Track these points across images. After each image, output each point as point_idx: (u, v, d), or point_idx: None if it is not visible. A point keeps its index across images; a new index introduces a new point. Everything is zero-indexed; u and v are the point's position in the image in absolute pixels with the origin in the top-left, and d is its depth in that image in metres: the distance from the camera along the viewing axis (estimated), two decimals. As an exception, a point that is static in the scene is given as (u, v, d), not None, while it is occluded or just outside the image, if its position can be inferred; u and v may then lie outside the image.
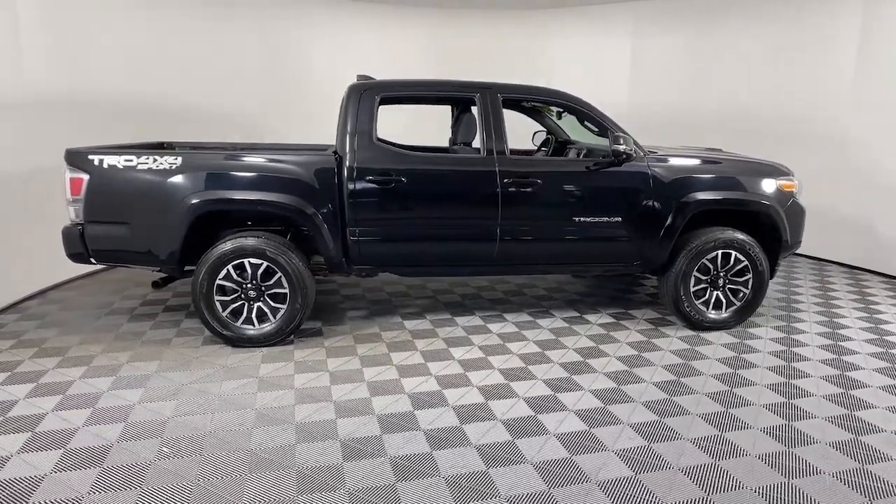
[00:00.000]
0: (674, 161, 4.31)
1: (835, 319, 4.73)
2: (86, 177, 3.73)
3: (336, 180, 3.92)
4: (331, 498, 2.43)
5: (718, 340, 4.26)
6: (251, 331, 3.98)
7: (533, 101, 4.57)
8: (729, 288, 4.41)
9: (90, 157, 3.74)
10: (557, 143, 5.21)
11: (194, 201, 3.75)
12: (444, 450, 2.80)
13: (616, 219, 4.21)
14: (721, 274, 4.37)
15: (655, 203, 4.21)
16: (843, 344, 4.21)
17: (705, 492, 2.52)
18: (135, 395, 3.32)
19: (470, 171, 4.09)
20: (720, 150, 5.16)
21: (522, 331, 4.42)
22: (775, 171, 4.42)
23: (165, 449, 2.77)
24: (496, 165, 4.06)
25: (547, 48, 8.43)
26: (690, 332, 4.42)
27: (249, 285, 3.93)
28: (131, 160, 3.76)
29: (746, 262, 4.34)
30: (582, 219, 4.18)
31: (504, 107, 4.32)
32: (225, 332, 3.94)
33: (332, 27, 7.72)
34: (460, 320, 4.64)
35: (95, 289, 5.32)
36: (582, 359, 3.92)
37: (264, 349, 3.98)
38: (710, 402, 3.33)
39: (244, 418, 3.07)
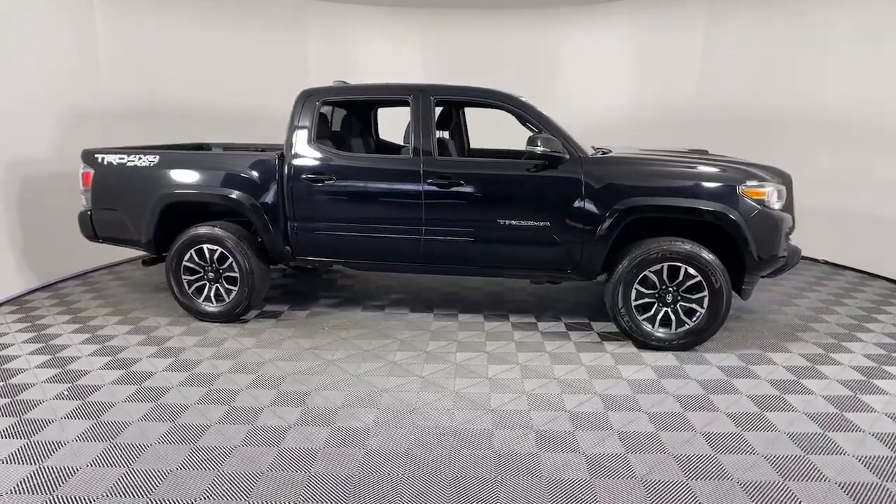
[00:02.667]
0: (610, 164, 3.98)
1: (832, 355, 3.97)
2: (92, 171, 4.60)
3: (277, 177, 4.34)
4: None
5: (654, 361, 3.87)
6: (209, 307, 4.57)
7: (468, 102, 4.49)
8: (681, 305, 3.96)
9: (96, 155, 4.61)
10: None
11: (160, 194, 4.43)
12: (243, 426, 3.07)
13: (543, 223, 4.03)
14: (671, 289, 3.94)
15: (587, 208, 3.95)
16: (806, 381, 3.55)
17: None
18: (89, 348, 4.08)
19: (395, 170, 4.22)
20: (706, 152, 4.59)
21: (459, 331, 4.43)
22: (741, 175, 3.84)
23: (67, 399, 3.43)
24: (421, 165, 4.14)
25: (603, 45, 7.98)
26: (632, 350, 4.05)
27: (209, 268, 4.52)
28: (123, 158, 4.55)
29: (700, 278, 3.86)
30: (506, 222, 4.07)
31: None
32: (189, 306, 4.59)
33: (371, 33, 8.19)
34: (413, 316, 4.78)
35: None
36: (486, 363, 3.85)
37: (219, 324, 4.55)
38: (564, 420, 3.11)
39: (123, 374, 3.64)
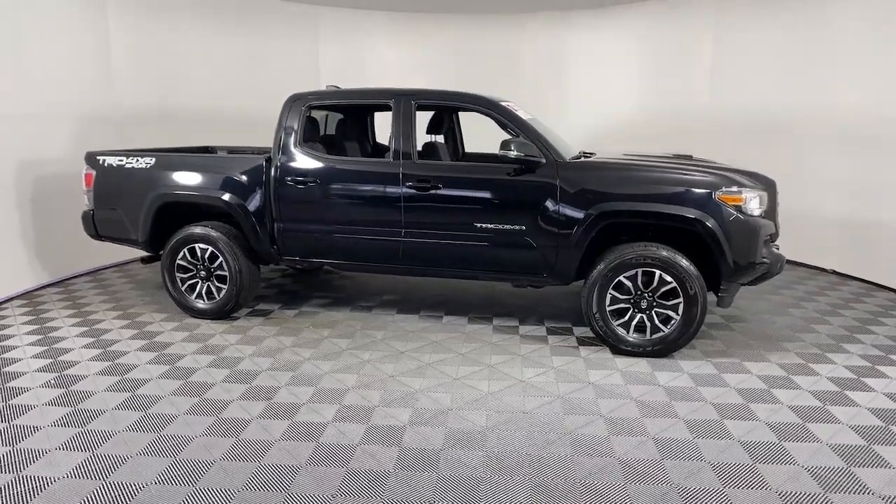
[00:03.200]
0: (585, 169, 4.00)
1: (812, 365, 3.88)
2: (94, 172, 4.84)
3: (264, 179, 4.48)
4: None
5: (626, 366, 3.85)
6: (201, 304, 4.74)
7: (447, 107, 4.57)
8: (656, 312, 3.94)
9: (98, 157, 4.85)
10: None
11: (155, 195, 4.63)
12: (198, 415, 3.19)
13: (519, 227, 4.06)
14: (646, 295, 3.92)
15: (562, 213, 3.97)
16: (776, 391, 3.49)
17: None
18: (83, 340, 4.28)
19: (375, 173, 4.33)
20: (690, 157, 4.55)
21: (440, 332, 4.48)
22: (718, 181, 3.80)
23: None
24: (400, 169, 4.23)
25: (612, 49, 7.94)
26: (607, 356, 4.04)
27: (201, 266, 4.69)
28: (122, 160, 4.77)
29: (674, 284, 3.83)
30: (483, 225, 4.12)
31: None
32: (182, 303, 4.77)
33: (382, 38, 8.34)
34: (398, 317, 4.86)
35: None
36: (458, 365, 3.90)
37: (209, 321, 4.71)
38: (518, 421, 3.14)
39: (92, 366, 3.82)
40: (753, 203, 3.83)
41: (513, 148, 3.90)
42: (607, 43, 7.97)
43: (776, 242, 4.20)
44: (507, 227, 4.09)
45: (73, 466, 2.73)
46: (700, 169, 3.96)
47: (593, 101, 8.00)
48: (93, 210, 4.92)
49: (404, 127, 4.29)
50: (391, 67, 8.31)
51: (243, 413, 3.25)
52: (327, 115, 5.37)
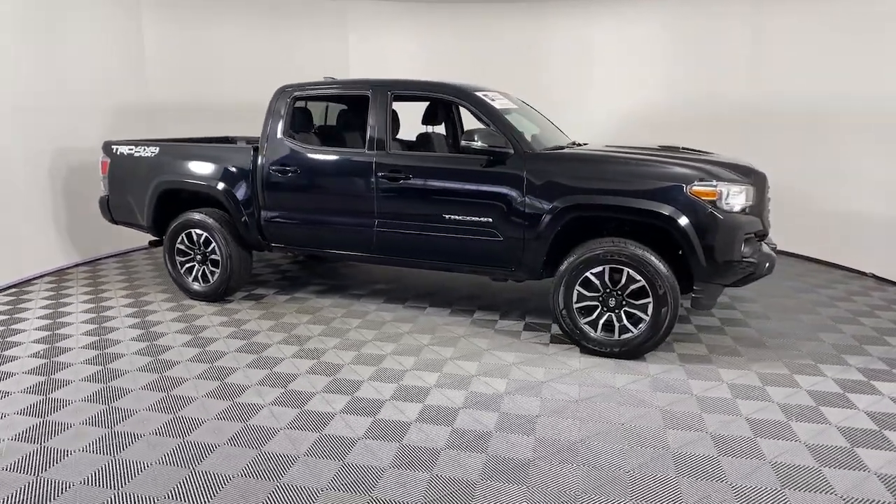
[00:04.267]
0: (552, 161, 3.84)
1: (797, 376, 3.55)
2: (109, 160, 5.18)
3: (251, 168, 4.63)
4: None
5: (587, 366, 3.68)
6: (197, 287, 4.98)
7: (423, 97, 4.51)
8: (626, 311, 3.74)
9: (112, 146, 5.18)
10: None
11: (157, 182, 4.90)
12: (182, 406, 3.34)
13: (486, 219, 3.97)
14: (614, 293, 3.74)
15: (528, 205, 3.84)
16: (741, 402, 3.22)
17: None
18: (84, 316, 4.62)
19: (351, 162, 4.36)
20: (678, 149, 4.25)
21: (412, 323, 4.47)
22: (692, 173, 3.54)
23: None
24: (374, 159, 4.24)
25: (643, 36, 7.53)
26: (574, 354, 3.88)
27: (197, 251, 4.92)
28: (132, 149, 5.08)
29: (643, 283, 3.62)
30: (452, 216, 4.06)
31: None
32: (181, 285, 5.03)
33: (408, 30, 8.33)
34: (383, 306, 4.89)
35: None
36: (414, 356, 3.88)
37: (204, 303, 4.94)
38: (449, 416, 3.09)
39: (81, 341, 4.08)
40: (735, 198, 3.55)
41: (476, 138, 3.82)
42: (638, 31, 7.56)
43: (771, 240, 3.88)
44: (476, 218, 4.01)
45: (21, 430, 2.96)
46: (676, 161, 3.70)
47: (617, 91, 7.64)
48: (108, 196, 5.27)
49: (379, 117, 4.29)
50: (414, 58, 8.29)
51: (192, 391, 3.39)
52: (327, 107, 5.46)
